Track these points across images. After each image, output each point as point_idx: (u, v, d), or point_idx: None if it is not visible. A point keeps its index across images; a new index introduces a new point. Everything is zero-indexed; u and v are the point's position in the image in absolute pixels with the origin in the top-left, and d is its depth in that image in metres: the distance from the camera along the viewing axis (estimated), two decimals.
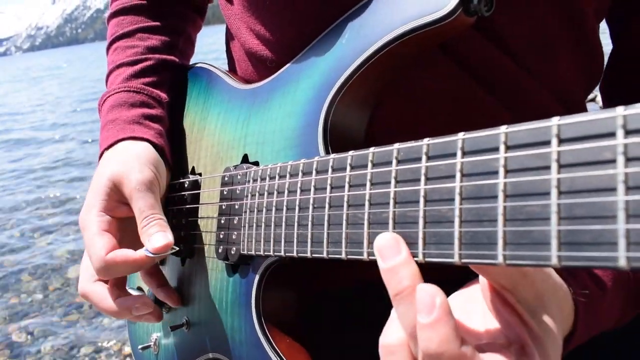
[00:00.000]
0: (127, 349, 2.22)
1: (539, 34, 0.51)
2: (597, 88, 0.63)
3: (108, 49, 0.75)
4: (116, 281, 0.58)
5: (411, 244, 0.33)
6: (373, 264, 0.35)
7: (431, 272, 0.34)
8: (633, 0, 0.55)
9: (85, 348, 2.28)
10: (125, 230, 0.58)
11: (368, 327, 0.44)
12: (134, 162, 0.59)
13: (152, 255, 0.54)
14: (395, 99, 0.50)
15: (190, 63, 0.77)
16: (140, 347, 0.70)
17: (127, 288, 0.60)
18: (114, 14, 0.76)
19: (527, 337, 0.34)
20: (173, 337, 0.65)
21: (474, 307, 0.38)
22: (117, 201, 0.58)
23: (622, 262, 0.23)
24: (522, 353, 0.33)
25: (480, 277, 0.36)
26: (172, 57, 0.73)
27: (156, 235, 0.54)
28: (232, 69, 0.69)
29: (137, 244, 0.56)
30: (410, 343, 0.32)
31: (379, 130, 0.49)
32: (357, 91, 0.46)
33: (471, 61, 0.49)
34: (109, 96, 0.67)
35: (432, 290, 0.30)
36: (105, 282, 0.59)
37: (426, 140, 0.33)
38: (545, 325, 0.35)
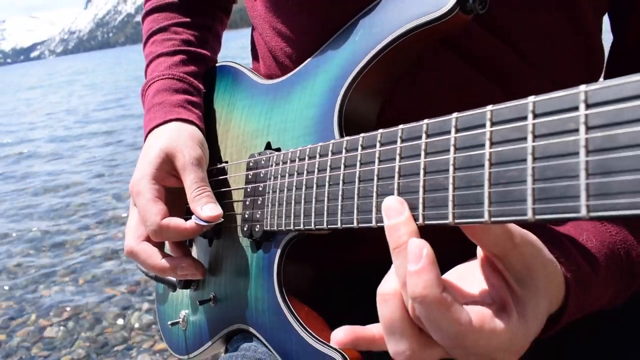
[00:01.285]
0: (158, 345, 2.28)
1: (539, 28, 0.55)
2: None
3: (145, 43, 0.82)
4: (160, 244, 0.65)
5: (413, 208, 0.38)
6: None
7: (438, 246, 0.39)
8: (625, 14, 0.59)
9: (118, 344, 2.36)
10: (171, 201, 0.64)
11: None
12: (187, 139, 0.65)
13: (202, 224, 0.60)
14: (404, 89, 0.55)
15: (221, 61, 0.83)
16: (170, 322, 0.77)
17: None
18: (149, 12, 0.83)
19: (509, 298, 0.38)
20: (201, 312, 0.71)
21: (470, 276, 0.42)
22: (167, 172, 0.64)
23: (583, 211, 0.28)
24: (502, 309, 0.37)
25: (478, 249, 0.41)
26: (205, 51, 0.80)
27: (208, 205, 0.61)
28: (256, 66, 0.75)
29: (179, 214, 0.62)
30: (402, 291, 0.37)
31: (390, 118, 0.54)
32: (368, 82, 0.51)
33: (474, 53, 0.54)
34: (153, 82, 0.74)
35: (420, 244, 0.35)
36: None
37: (425, 121, 0.39)
38: (529, 291, 0.38)
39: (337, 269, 0.65)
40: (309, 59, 0.59)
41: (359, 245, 0.62)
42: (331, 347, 0.49)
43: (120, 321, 2.52)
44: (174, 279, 0.73)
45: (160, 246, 0.66)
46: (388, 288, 0.38)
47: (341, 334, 0.40)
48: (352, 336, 0.40)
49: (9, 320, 2.67)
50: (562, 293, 0.43)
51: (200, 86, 0.75)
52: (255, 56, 0.77)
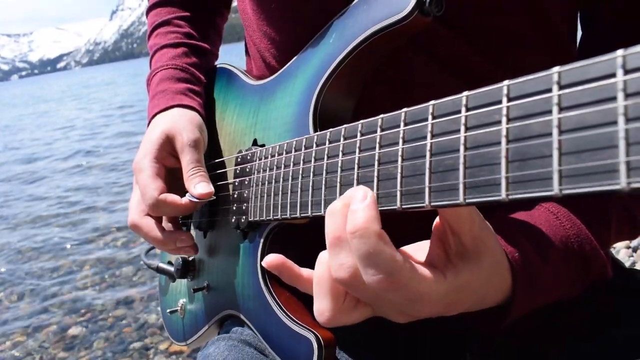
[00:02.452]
0: (174, 347, 2.34)
1: (505, 30, 0.57)
2: None
3: (149, 35, 0.87)
4: (160, 219, 0.70)
5: (391, 196, 0.41)
6: None
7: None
8: (596, 8, 0.60)
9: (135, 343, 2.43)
10: (171, 180, 0.69)
11: None
12: (187, 123, 0.70)
13: (195, 200, 0.65)
14: (377, 87, 0.58)
15: (219, 63, 0.88)
16: (168, 310, 0.81)
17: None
18: (152, 6, 0.88)
19: (445, 265, 0.41)
20: (196, 300, 0.76)
21: (419, 250, 0.44)
22: (168, 152, 0.69)
23: (556, 189, 0.29)
24: (434, 267, 0.40)
25: (436, 220, 0.43)
26: (206, 45, 0.85)
27: (201, 184, 0.65)
28: (249, 66, 0.79)
29: (178, 192, 0.67)
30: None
31: (364, 116, 0.57)
32: (341, 82, 0.55)
33: (440, 54, 0.57)
34: (158, 71, 0.79)
35: (365, 189, 0.39)
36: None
37: (381, 116, 0.42)
38: (467, 266, 0.41)
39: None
40: (291, 60, 0.63)
41: None
42: (307, 328, 0.53)
43: (138, 322, 2.59)
44: (172, 269, 0.77)
45: (160, 222, 0.70)
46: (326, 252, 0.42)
47: (271, 257, 0.45)
48: (279, 262, 0.45)
49: (30, 321, 2.77)
50: (508, 284, 0.45)
51: (201, 77, 0.79)
52: (247, 56, 0.81)
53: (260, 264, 0.60)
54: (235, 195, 0.65)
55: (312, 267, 0.67)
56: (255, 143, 0.65)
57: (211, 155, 0.76)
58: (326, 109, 0.56)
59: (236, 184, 0.65)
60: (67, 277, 3.29)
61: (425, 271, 0.39)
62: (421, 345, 0.64)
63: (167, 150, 0.69)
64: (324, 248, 0.66)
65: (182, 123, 0.69)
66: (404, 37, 0.51)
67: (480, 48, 0.57)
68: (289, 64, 0.63)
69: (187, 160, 0.66)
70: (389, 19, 0.49)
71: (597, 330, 0.57)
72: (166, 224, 0.72)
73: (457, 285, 0.40)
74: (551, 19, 0.58)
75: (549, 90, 0.30)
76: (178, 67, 0.77)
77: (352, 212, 0.38)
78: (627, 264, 2.38)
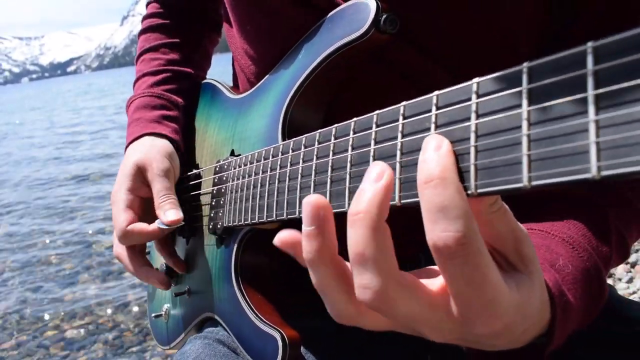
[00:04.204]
0: (172, 351, 2.37)
1: (464, 44, 0.58)
2: None
3: (137, 59, 0.91)
4: (138, 247, 0.75)
5: (341, 197, 0.44)
6: None
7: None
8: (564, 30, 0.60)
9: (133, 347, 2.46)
10: (146, 209, 0.73)
11: None
12: (156, 153, 0.74)
13: (164, 227, 0.68)
14: (344, 100, 0.62)
15: (206, 79, 0.92)
16: (153, 315, 0.84)
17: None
18: (143, 31, 0.92)
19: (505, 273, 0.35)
20: (179, 305, 0.79)
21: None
22: (140, 182, 0.73)
23: (525, 181, 0.29)
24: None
25: None
26: (189, 70, 0.89)
27: (170, 211, 0.69)
28: (235, 82, 0.83)
29: (154, 220, 0.70)
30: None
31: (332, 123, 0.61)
32: (308, 95, 0.59)
33: (404, 68, 0.59)
34: (135, 99, 0.83)
35: (440, 137, 0.34)
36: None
37: (335, 125, 0.45)
38: (523, 283, 0.35)
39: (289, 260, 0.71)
40: (266, 76, 0.66)
41: None
42: (274, 327, 0.56)
43: (137, 325, 2.63)
44: None
45: (140, 248, 0.75)
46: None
47: (284, 234, 0.38)
48: (294, 240, 0.38)
49: (31, 322, 2.81)
50: (546, 315, 0.40)
51: (179, 100, 0.83)
52: (234, 73, 0.85)
53: (234, 267, 0.63)
54: (213, 203, 0.68)
55: (283, 271, 0.70)
56: (232, 153, 0.69)
57: (195, 165, 0.80)
58: (295, 121, 0.59)
59: (214, 192, 0.69)
60: (69, 280, 3.33)
61: (492, 260, 0.33)
62: (380, 345, 0.66)
63: (141, 181, 0.73)
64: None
65: (152, 154, 0.73)
66: (364, 53, 0.54)
67: (438, 61, 0.59)
68: (264, 78, 0.67)
69: (157, 189, 0.71)
70: (348, 36, 0.52)
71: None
72: (156, 245, 0.77)
73: (518, 299, 0.34)
74: (519, 42, 0.58)
75: (469, 99, 0.34)
76: (154, 95, 0.82)
77: (423, 161, 0.33)
78: (625, 280, 2.38)
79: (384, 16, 0.50)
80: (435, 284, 0.36)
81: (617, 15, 0.54)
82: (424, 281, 0.36)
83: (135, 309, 2.81)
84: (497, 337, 0.35)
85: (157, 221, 0.69)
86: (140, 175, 0.73)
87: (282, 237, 0.38)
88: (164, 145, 0.76)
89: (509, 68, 0.64)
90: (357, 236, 0.33)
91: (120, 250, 0.74)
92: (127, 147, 0.78)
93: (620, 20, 0.54)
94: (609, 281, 2.25)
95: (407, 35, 0.58)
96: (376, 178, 0.34)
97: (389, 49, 0.56)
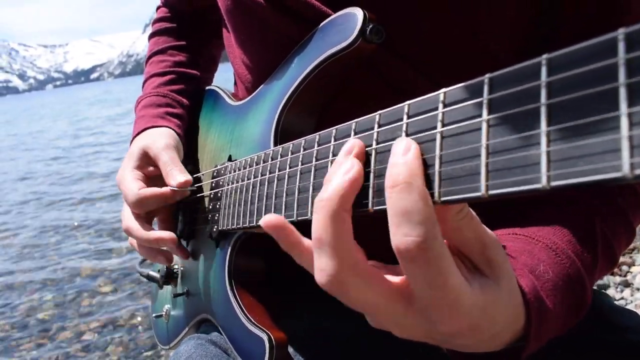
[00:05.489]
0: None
1: (447, 55, 0.58)
2: None
3: (147, 61, 0.94)
4: (146, 218, 0.75)
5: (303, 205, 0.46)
6: None
7: None
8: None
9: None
10: (152, 185, 0.74)
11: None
12: (159, 135, 0.77)
13: (175, 189, 0.70)
14: (336, 107, 0.63)
15: (210, 86, 0.94)
16: (154, 315, 0.86)
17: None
18: (153, 34, 0.96)
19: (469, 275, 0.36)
20: (178, 306, 0.81)
21: None
22: (146, 162, 0.76)
23: (483, 190, 0.30)
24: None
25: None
26: (194, 71, 0.92)
27: (179, 175, 0.72)
28: (235, 89, 0.85)
29: None
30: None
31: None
32: (300, 102, 0.60)
33: (389, 76, 0.60)
34: (142, 99, 0.87)
35: (409, 141, 0.34)
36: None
37: (318, 133, 0.46)
38: (488, 286, 0.36)
39: (283, 263, 0.72)
40: (262, 85, 0.68)
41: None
42: (262, 328, 0.57)
43: (152, 330, 2.67)
44: (158, 275, 0.83)
45: (149, 219, 0.77)
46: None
47: (269, 217, 0.38)
48: (279, 223, 0.38)
49: (49, 324, 2.87)
50: (520, 320, 0.40)
51: (184, 100, 0.86)
52: (235, 79, 0.87)
53: (227, 270, 0.65)
54: (211, 206, 0.70)
55: (275, 273, 0.71)
56: (230, 158, 0.70)
57: (195, 171, 0.82)
58: (287, 127, 0.61)
59: (212, 196, 0.70)
60: (86, 282, 3.40)
61: (454, 263, 0.33)
62: (370, 346, 0.67)
63: (145, 161, 0.76)
64: (288, 256, 0.69)
65: (155, 136, 0.76)
66: (352, 62, 0.55)
67: (423, 71, 0.59)
68: (260, 87, 0.69)
69: (164, 161, 0.73)
70: (337, 46, 0.53)
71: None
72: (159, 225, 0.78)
73: (483, 301, 0.35)
74: (501, 48, 0.59)
75: (436, 109, 0.35)
76: (160, 94, 0.85)
77: (391, 165, 0.34)
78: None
79: (370, 26, 0.51)
80: (395, 278, 0.37)
81: (606, 17, 0.54)
82: (384, 273, 0.37)
83: (149, 312, 2.85)
84: (464, 336, 0.36)
85: (168, 186, 0.72)
86: (145, 157, 0.76)
87: (267, 220, 0.38)
88: (167, 130, 0.79)
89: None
90: (317, 221, 0.36)
91: (130, 222, 0.74)
92: (132, 141, 0.80)
93: (608, 22, 0.54)
94: (627, 291, 2.21)
95: (390, 43, 0.58)
96: (344, 172, 0.36)
97: (375, 57, 0.57)
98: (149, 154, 0.75)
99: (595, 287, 0.60)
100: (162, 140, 0.75)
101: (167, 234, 0.72)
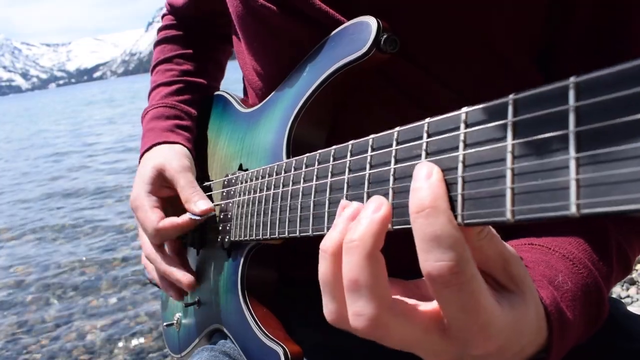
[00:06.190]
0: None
1: (459, 59, 0.58)
2: None
3: (152, 70, 0.93)
4: (163, 248, 0.75)
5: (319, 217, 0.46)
6: None
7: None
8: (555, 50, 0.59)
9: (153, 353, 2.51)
10: (166, 208, 0.75)
11: None
12: (173, 154, 0.76)
13: (195, 218, 0.70)
14: (348, 115, 0.62)
15: (218, 91, 0.93)
16: (165, 324, 0.86)
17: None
18: (159, 42, 0.95)
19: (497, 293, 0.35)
20: (189, 315, 0.80)
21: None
22: (160, 185, 0.75)
23: (508, 215, 0.29)
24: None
25: None
26: (202, 80, 0.91)
27: (201, 201, 0.71)
28: (245, 94, 0.85)
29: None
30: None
31: (337, 142, 0.61)
32: (311, 113, 0.59)
33: (408, 87, 0.60)
34: (149, 110, 0.85)
35: (430, 165, 0.34)
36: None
37: (351, 142, 0.45)
38: (516, 302, 0.36)
39: (296, 275, 0.72)
40: (273, 92, 0.67)
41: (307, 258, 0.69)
42: (277, 342, 0.57)
43: (157, 332, 2.67)
44: None
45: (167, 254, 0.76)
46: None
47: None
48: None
49: (54, 326, 2.88)
50: (543, 333, 0.40)
51: (192, 111, 0.85)
52: (244, 84, 0.86)
53: (240, 281, 0.64)
54: (222, 216, 0.70)
55: (285, 284, 0.71)
56: (241, 167, 0.70)
57: (205, 178, 0.81)
58: (299, 137, 0.60)
59: (222, 205, 0.70)
60: (92, 284, 3.41)
61: (485, 284, 0.33)
62: None
63: (160, 183, 0.75)
64: (300, 268, 0.69)
65: (170, 155, 0.75)
66: (365, 72, 0.55)
67: (435, 76, 0.58)
68: (271, 94, 0.68)
69: (182, 185, 0.72)
70: (350, 56, 0.53)
71: None
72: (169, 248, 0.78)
73: (512, 319, 0.35)
74: (512, 60, 0.58)
75: (457, 129, 0.34)
76: (168, 105, 0.84)
77: (414, 190, 0.33)
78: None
79: (385, 36, 0.51)
80: (428, 307, 0.37)
81: (604, 25, 0.54)
82: (417, 304, 0.37)
83: (156, 315, 2.85)
84: (493, 356, 0.35)
85: (186, 214, 0.71)
86: (159, 177, 0.74)
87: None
88: (180, 148, 0.78)
89: (499, 80, 0.61)
90: (351, 263, 0.34)
91: (151, 251, 0.74)
92: (141, 156, 0.80)
93: (606, 30, 0.55)
94: (633, 289, 2.20)
95: (402, 49, 0.57)
96: (374, 209, 0.35)
97: (388, 64, 0.57)
98: (165, 176, 0.74)
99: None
100: (177, 161, 0.74)
101: (187, 279, 0.72)
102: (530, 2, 0.55)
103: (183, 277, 0.73)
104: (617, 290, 2.19)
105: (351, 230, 0.35)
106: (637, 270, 2.30)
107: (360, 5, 0.56)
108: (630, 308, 2.02)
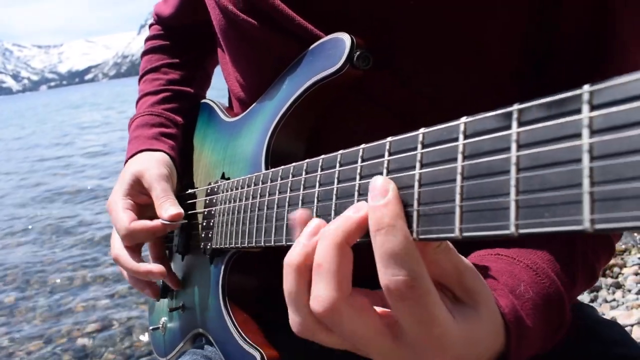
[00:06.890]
0: None
1: (445, 77, 0.58)
2: None
3: (140, 79, 0.95)
4: (135, 249, 0.75)
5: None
6: None
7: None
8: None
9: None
10: (143, 215, 0.76)
11: None
12: (154, 162, 0.77)
13: (166, 223, 0.71)
14: (328, 127, 0.64)
15: (204, 99, 0.95)
16: (151, 328, 0.88)
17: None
18: (146, 52, 0.96)
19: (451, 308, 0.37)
20: (175, 319, 0.82)
21: None
22: (137, 191, 0.76)
23: (512, 229, 0.29)
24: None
25: None
26: (188, 89, 0.92)
27: (171, 207, 0.72)
28: (230, 103, 0.86)
29: None
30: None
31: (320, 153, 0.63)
32: (290, 125, 0.61)
33: (388, 101, 0.60)
34: (136, 118, 0.87)
35: (386, 181, 0.36)
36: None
37: (321, 157, 0.46)
38: (468, 315, 0.38)
39: (277, 282, 0.74)
40: (255, 103, 0.69)
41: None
42: (254, 346, 0.59)
43: (147, 335, 2.68)
44: None
45: (138, 249, 0.77)
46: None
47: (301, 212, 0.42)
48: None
49: (46, 330, 2.88)
50: (501, 341, 0.42)
51: (178, 119, 0.87)
52: (229, 94, 0.88)
53: (221, 287, 0.66)
54: (204, 223, 0.71)
55: (268, 290, 0.72)
56: (223, 176, 0.72)
57: (191, 185, 0.83)
58: (278, 148, 0.62)
59: (205, 213, 0.72)
60: (81, 288, 3.41)
61: (440, 298, 0.35)
62: None
63: (137, 190, 0.76)
64: (280, 275, 0.70)
65: (149, 163, 0.77)
66: (340, 87, 0.56)
67: (421, 94, 0.60)
68: (252, 105, 0.70)
69: (157, 192, 0.73)
70: (325, 71, 0.55)
71: None
72: (152, 253, 0.79)
73: (466, 331, 0.37)
74: (498, 76, 0.58)
75: (415, 149, 0.36)
76: (154, 114, 0.85)
77: (373, 208, 0.35)
78: (634, 291, 2.36)
79: (358, 52, 0.53)
80: (385, 311, 0.39)
81: (598, 36, 0.54)
82: (376, 306, 0.39)
83: (146, 319, 2.86)
84: None
85: (159, 219, 0.72)
86: (137, 184, 0.76)
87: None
88: (161, 156, 0.80)
89: (492, 91, 0.62)
90: (320, 248, 0.37)
91: (119, 251, 0.75)
92: (125, 162, 0.81)
93: (600, 41, 0.54)
94: (619, 293, 2.23)
95: (391, 63, 0.58)
96: (354, 210, 0.37)
97: (367, 79, 0.58)
98: (142, 183, 0.75)
99: (586, 295, 0.62)
100: (155, 169, 0.75)
101: (156, 268, 0.72)
102: (524, 5, 0.55)
103: (154, 267, 0.73)
104: (603, 294, 2.22)
105: (331, 223, 0.38)
106: (622, 274, 2.33)
107: (356, 19, 0.57)
108: (615, 312, 2.05)
